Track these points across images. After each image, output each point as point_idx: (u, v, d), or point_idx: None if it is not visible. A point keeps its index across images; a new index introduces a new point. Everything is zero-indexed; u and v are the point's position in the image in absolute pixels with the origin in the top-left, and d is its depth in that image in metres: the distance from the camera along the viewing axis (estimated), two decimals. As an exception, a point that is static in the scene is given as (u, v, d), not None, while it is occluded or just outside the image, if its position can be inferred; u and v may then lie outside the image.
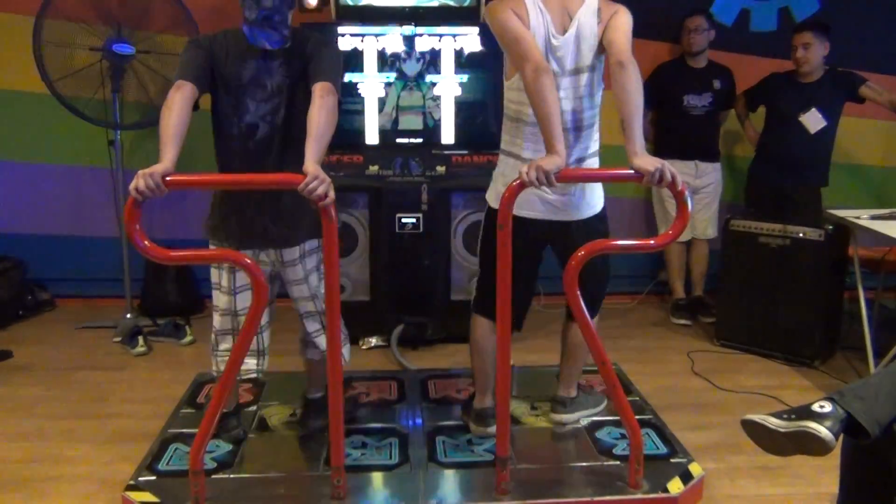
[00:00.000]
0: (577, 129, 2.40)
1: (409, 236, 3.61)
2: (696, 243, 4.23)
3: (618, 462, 2.50)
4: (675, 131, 4.13)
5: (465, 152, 3.65)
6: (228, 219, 2.42)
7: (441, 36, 3.62)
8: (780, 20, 4.35)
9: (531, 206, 2.44)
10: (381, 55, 3.63)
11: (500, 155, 2.52)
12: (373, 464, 2.51)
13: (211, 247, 2.48)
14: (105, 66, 3.69)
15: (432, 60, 3.64)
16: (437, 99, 3.66)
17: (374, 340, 3.76)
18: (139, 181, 1.96)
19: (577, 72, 2.36)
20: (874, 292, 3.91)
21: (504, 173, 2.46)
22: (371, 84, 3.64)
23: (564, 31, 2.33)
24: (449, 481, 2.44)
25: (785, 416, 1.77)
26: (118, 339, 3.78)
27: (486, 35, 3.59)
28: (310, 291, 2.52)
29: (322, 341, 2.55)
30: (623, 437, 2.62)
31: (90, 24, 3.66)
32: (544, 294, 4.09)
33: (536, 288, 2.84)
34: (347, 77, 3.58)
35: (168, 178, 2.00)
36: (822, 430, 1.69)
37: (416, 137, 3.70)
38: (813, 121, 3.85)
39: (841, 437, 1.77)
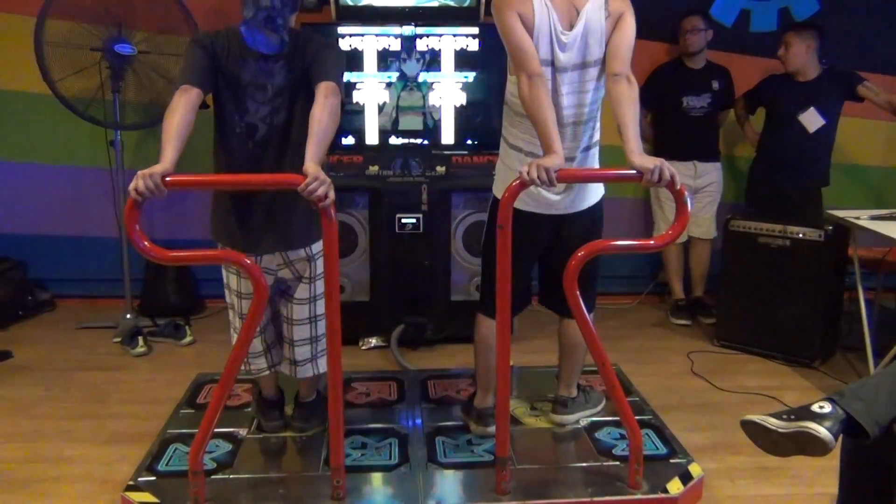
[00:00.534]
0: (579, 123, 2.41)
1: (409, 236, 3.61)
2: (696, 244, 4.23)
3: (617, 462, 2.50)
4: (674, 132, 4.13)
5: (465, 152, 3.65)
6: (228, 219, 2.42)
7: (441, 36, 3.62)
8: (779, 20, 4.34)
9: (543, 200, 2.44)
10: (381, 55, 3.63)
11: (506, 148, 2.51)
12: (372, 464, 2.51)
13: (218, 247, 2.49)
14: (105, 67, 3.68)
15: (432, 60, 3.64)
16: (437, 99, 3.67)
17: (373, 341, 3.76)
18: (139, 182, 1.96)
19: (583, 66, 2.36)
20: (874, 292, 3.91)
21: (510, 166, 2.46)
22: (371, 84, 3.64)
23: (571, 27, 2.33)
24: (449, 482, 2.44)
25: (784, 416, 1.77)
26: (118, 339, 3.78)
27: (486, 35, 3.59)
28: (312, 293, 2.52)
29: (307, 370, 2.61)
30: (623, 437, 2.62)
31: (91, 24, 3.66)
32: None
33: (536, 288, 2.85)
34: (347, 77, 3.58)
35: (168, 179, 2.00)
36: (821, 431, 1.70)
37: (416, 137, 3.70)
38: (811, 120, 3.85)
39: (841, 438, 1.77)
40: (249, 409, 2.83)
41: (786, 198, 3.93)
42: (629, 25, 2.32)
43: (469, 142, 3.70)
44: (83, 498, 2.41)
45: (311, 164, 2.04)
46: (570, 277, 2.19)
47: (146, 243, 2.01)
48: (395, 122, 3.68)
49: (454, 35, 3.62)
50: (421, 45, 3.63)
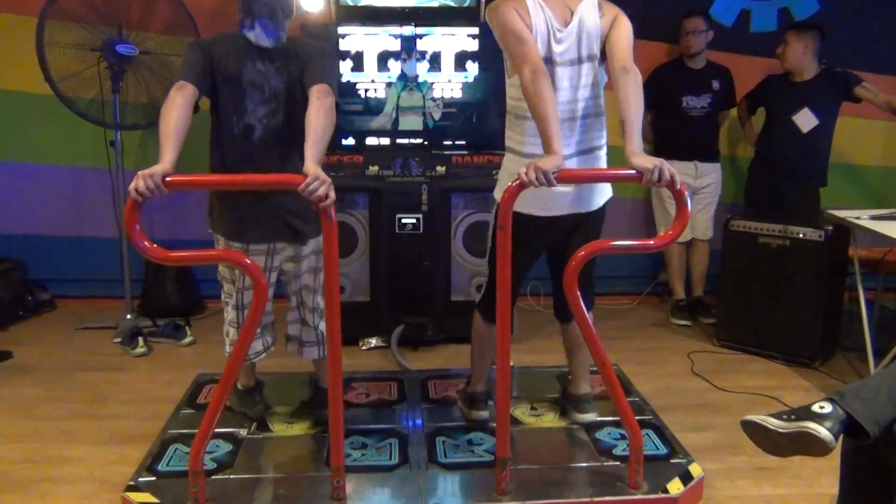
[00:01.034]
0: (576, 118, 2.41)
1: (409, 237, 3.61)
2: (696, 244, 4.23)
3: (618, 462, 2.50)
4: (674, 132, 4.13)
5: (465, 153, 3.65)
6: (224, 214, 2.47)
7: (441, 36, 3.62)
8: (780, 20, 4.35)
9: (555, 203, 2.44)
10: (381, 55, 3.63)
11: (507, 152, 2.52)
12: (373, 464, 2.51)
13: (216, 243, 2.53)
14: (105, 67, 3.68)
15: (432, 60, 3.64)
16: (437, 99, 3.67)
17: (373, 341, 3.75)
18: (139, 182, 1.97)
19: (578, 62, 2.38)
20: (874, 292, 3.91)
21: (510, 171, 2.46)
22: (371, 84, 3.64)
23: (566, 25, 2.36)
24: (449, 482, 2.44)
25: (785, 416, 1.77)
26: (118, 339, 3.78)
27: (486, 35, 3.59)
28: (316, 283, 2.60)
29: (312, 351, 2.67)
30: (623, 437, 2.62)
31: (91, 24, 3.66)
32: (544, 294, 4.09)
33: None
34: (347, 77, 3.59)
35: (168, 179, 2.01)
36: (821, 431, 1.69)
37: (416, 137, 3.70)
38: (805, 120, 3.85)
39: (841, 438, 1.77)
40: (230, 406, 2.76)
41: (782, 198, 3.94)
42: (625, 23, 2.38)
43: (469, 142, 3.70)
44: (83, 498, 2.41)
45: (312, 164, 2.06)
46: (570, 277, 2.19)
47: (146, 243, 2.01)
48: (395, 122, 3.68)
49: (454, 35, 3.62)
50: (421, 45, 3.63)
